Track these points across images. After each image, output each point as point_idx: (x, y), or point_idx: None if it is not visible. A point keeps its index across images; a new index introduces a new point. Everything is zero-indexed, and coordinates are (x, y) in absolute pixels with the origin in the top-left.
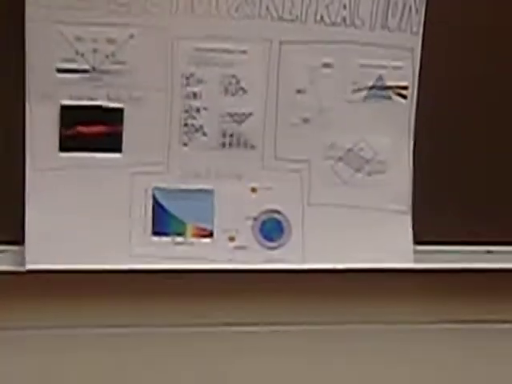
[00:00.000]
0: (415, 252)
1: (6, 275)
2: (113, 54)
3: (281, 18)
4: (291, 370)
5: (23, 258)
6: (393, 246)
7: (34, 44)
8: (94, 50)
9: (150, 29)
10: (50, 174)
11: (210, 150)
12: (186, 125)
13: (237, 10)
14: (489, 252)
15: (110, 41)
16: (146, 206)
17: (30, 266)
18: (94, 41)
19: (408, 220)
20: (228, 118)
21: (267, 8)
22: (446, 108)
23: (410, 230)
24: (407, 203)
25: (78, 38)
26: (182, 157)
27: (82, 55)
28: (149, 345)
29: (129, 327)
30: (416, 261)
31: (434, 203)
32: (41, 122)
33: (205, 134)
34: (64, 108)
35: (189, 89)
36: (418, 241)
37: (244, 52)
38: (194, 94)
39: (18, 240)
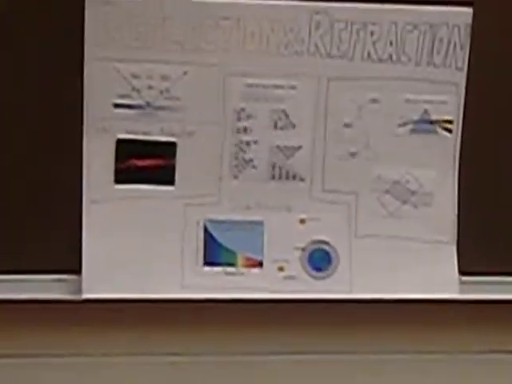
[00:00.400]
0: (461, 282)
1: (64, 304)
2: (167, 90)
3: (329, 55)
4: None
5: (80, 287)
6: (438, 277)
7: (92, 81)
8: (149, 87)
9: (202, 66)
10: (106, 205)
11: (259, 183)
12: (236, 158)
13: (286, 47)
14: None
15: (165, 77)
16: (197, 237)
17: (86, 295)
18: (149, 77)
19: (453, 251)
20: (277, 152)
21: (316, 45)
22: (491, 140)
23: (456, 260)
24: (453, 234)
25: (134, 75)
26: (232, 189)
27: (138, 91)
28: (199, 373)
29: (180, 355)
30: (462, 291)
31: (479, 234)
32: (97, 154)
33: (255, 167)
34: (120, 142)
35: (240, 123)
36: (463, 271)
37: (293, 88)
38: (245, 129)
39: (75, 269)
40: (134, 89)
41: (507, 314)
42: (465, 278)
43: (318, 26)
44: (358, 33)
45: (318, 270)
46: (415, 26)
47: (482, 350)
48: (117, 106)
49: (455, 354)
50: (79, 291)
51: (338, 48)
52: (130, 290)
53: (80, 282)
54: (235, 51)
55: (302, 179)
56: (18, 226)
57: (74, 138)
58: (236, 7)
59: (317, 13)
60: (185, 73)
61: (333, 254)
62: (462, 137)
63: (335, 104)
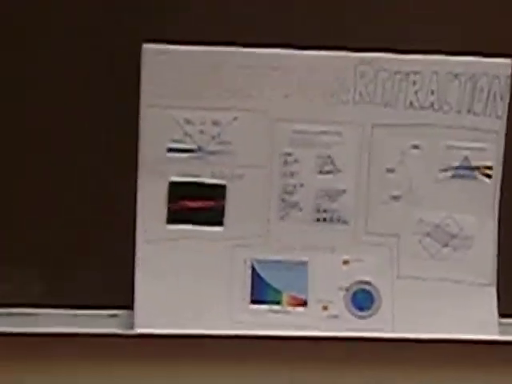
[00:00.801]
0: (500, 324)
1: (116, 338)
2: (218, 135)
3: (373, 103)
4: None
5: (132, 322)
6: (478, 318)
7: (147, 126)
8: (201, 132)
9: (252, 112)
10: (158, 245)
11: (305, 225)
12: (283, 201)
13: (332, 95)
14: None
15: (216, 123)
16: (245, 276)
17: (138, 330)
18: (202, 123)
19: (493, 293)
20: (322, 195)
21: (360, 94)
22: None
23: (495, 302)
24: (492, 277)
25: (187, 121)
26: (279, 230)
27: (190, 136)
28: None
29: None
30: (501, 333)
31: None
32: (151, 196)
33: (301, 210)
34: (172, 184)
35: (286, 167)
36: (503, 314)
37: (339, 134)
38: (291, 173)
39: (128, 305)
40: (186, 134)
41: None
42: (504, 320)
43: (362, 76)
44: (400, 82)
45: (361, 309)
46: (456, 76)
47: None
48: (170, 150)
49: None
50: (132, 326)
51: (382, 96)
52: (181, 325)
53: (133, 318)
54: (283, 98)
55: (345, 222)
56: (76, 264)
57: (129, 180)
58: (285, 57)
59: (362, 63)
60: (235, 118)
61: (375, 294)
62: (501, 182)
63: (379, 150)
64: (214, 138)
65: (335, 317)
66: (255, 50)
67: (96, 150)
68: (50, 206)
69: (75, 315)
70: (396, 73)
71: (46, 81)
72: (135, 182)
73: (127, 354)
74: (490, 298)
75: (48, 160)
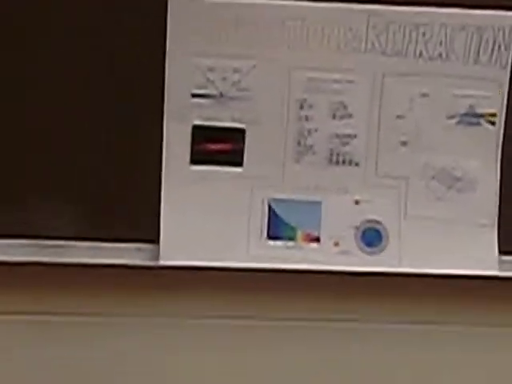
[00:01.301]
0: (500, 262)
1: (143, 269)
2: (238, 82)
3: (384, 53)
4: (386, 366)
5: (158, 255)
6: (480, 255)
7: (172, 73)
8: (223, 79)
9: (269, 60)
10: (182, 184)
11: (319, 167)
12: (298, 144)
13: (345, 45)
14: None
15: (236, 70)
16: (262, 214)
17: (163, 262)
18: (224, 70)
19: (494, 232)
20: (335, 139)
21: (372, 44)
22: None
23: (496, 241)
24: (494, 218)
25: (210, 68)
26: (294, 172)
27: (213, 83)
28: (261, 335)
29: (244, 319)
30: (501, 269)
31: None
32: (175, 139)
33: (314, 153)
34: (195, 127)
35: (302, 113)
36: (504, 251)
37: (351, 82)
38: (306, 117)
39: (154, 239)
40: (209, 80)
41: None
42: (504, 258)
43: (374, 27)
44: (410, 33)
45: (370, 246)
46: (463, 28)
47: None
48: (194, 95)
49: (492, 327)
50: (157, 258)
51: (393, 47)
52: (202, 258)
53: (158, 251)
54: (299, 48)
55: (357, 164)
56: (108, 201)
57: (156, 124)
58: (300, 9)
59: (373, 15)
60: (253, 66)
61: (383, 233)
62: (504, 129)
63: (389, 97)
64: (234, 84)
65: (346, 253)
66: (273, 1)
67: (125, 95)
68: (82, 145)
69: (103, 247)
70: (406, 24)
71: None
72: (161, 125)
73: (153, 285)
74: (491, 237)
75: (78, 97)
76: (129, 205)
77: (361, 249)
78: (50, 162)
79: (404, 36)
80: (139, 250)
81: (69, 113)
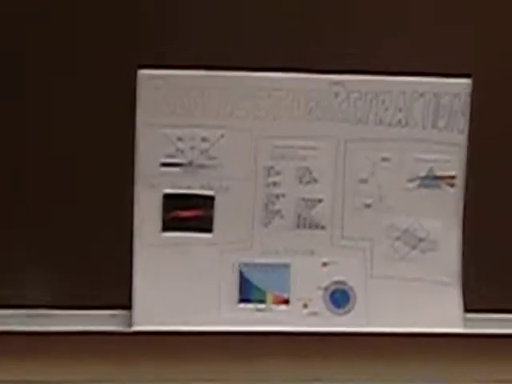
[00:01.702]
0: (465, 319)
1: (117, 335)
2: (206, 151)
3: (346, 120)
4: None
5: (130, 321)
6: (445, 314)
7: (143, 143)
8: (192, 148)
9: (237, 130)
10: (154, 250)
11: (287, 230)
12: (266, 209)
13: (310, 113)
14: None
15: (205, 139)
16: (233, 278)
17: (136, 328)
18: (192, 140)
19: (458, 291)
20: (302, 203)
21: (335, 111)
22: (492, 192)
23: (461, 299)
24: (457, 276)
25: (179, 138)
26: (263, 236)
27: (182, 152)
28: None
29: (223, 381)
30: (466, 326)
31: (482, 276)
32: (146, 206)
33: (282, 217)
34: (166, 196)
35: (269, 179)
36: (468, 309)
37: (315, 148)
38: (274, 183)
39: (126, 305)
40: (178, 150)
41: (507, 346)
42: (469, 315)
43: (336, 96)
44: (371, 101)
45: (338, 307)
46: (421, 95)
47: (485, 379)
48: (163, 164)
49: (459, 383)
50: (130, 324)
51: (354, 114)
52: (175, 323)
53: (131, 317)
54: (265, 117)
55: (323, 227)
56: (78, 268)
57: (127, 193)
58: (266, 79)
59: (335, 84)
60: (222, 136)
61: (351, 293)
62: (465, 190)
63: (352, 162)
64: (203, 153)
65: (315, 314)
66: (239, 72)
67: (97, 164)
68: (53, 210)
69: (78, 315)
70: (366, 93)
71: (45, 106)
72: (132, 194)
73: (126, 351)
74: (455, 296)
75: (50, 168)
76: (101, 272)
77: (329, 310)
78: (23, 234)
79: (365, 104)
80: (113, 316)
81: (29, 175)
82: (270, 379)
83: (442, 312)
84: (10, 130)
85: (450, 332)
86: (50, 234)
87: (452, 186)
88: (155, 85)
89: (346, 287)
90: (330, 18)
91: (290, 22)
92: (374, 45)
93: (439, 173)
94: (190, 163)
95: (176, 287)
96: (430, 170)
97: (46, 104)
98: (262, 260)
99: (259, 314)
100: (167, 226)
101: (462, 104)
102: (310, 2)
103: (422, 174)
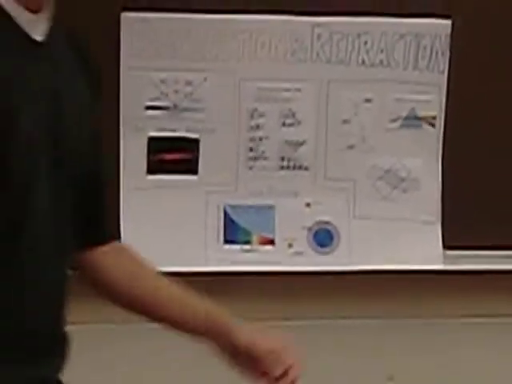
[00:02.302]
0: (445, 256)
1: None
2: (190, 94)
3: (329, 61)
4: (325, 364)
5: None
6: (425, 251)
7: (127, 87)
8: (176, 91)
9: (220, 72)
10: (140, 192)
11: (271, 172)
12: (251, 151)
13: (292, 54)
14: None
15: (188, 83)
16: (218, 219)
17: None
18: (176, 83)
19: (438, 229)
20: (285, 146)
21: (317, 53)
22: (470, 131)
23: (440, 237)
24: (437, 214)
25: (163, 81)
26: (247, 178)
27: (166, 95)
28: None
29: None
30: (445, 263)
31: (461, 214)
32: (132, 150)
33: (266, 159)
34: (151, 139)
35: (253, 121)
36: (447, 246)
37: (298, 90)
38: (257, 126)
39: None
40: (162, 93)
41: (482, 282)
42: (449, 252)
43: (319, 37)
44: (353, 42)
45: (322, 246)
46: (402, 36)
47: (465, 313)
48: (148, 108)
49: (439, 318)
50: None
51: (337, 55)
52: (160, 264)
53: None
54: (248, 60)
55: (307, 169)
56: None
57: (113, 136)
58: (248, 22)
59: (318, 26)
60: (205, 79)
61: (334, 233)
62: (444, 130)
63: (335, 103)
64: (186, 96)
65: (299, 253)
66: (222, 16)
67: None
68: None
69: None
70: (349, 34)
71: None
72: (118, 137)
73: None
74: (435, 234)
75: None
76: None
77: (313, 249)
78: None
79: (347, 45)
80: None
81: None
82: (256, 318)
83: (423, 250)
84: None
85: (431, 269)
86: None
87: (433, 125)
88: (138, 28)
89: (329, 227)
90: None
91: None
92: None
93: (420, 113)
94: (175, 106)
95: (162, 229)
96: (412, 110)
97: None
98: (247, 202)
99: (245, 255)
100: (153, 169)
101: (443, 45)
102: None
103: (404, 114)
